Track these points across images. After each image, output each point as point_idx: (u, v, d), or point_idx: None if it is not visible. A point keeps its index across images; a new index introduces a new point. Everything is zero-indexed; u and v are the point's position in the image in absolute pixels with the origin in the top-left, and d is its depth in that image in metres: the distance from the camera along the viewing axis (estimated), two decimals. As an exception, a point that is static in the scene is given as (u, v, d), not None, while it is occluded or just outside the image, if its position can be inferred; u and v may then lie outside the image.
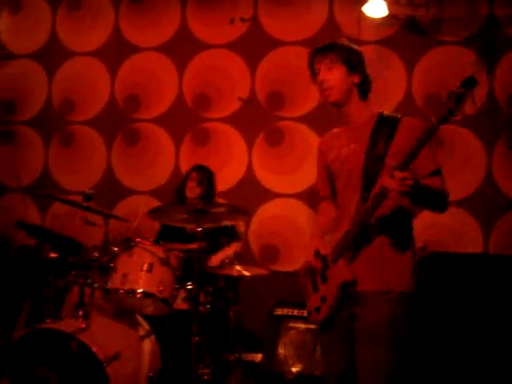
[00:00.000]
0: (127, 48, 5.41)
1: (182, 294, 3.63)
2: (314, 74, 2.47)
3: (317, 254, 2.40)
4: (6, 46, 5.72)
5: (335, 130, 2.57)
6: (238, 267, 3.76)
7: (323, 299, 2.38)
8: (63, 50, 5.59)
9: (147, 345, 3.53)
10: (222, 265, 3.94)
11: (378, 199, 2.21)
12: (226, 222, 3.67)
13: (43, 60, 5.65)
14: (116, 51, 5.45)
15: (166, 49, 5.32)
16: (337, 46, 2.44)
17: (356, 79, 2.42)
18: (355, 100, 2.43)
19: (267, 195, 5.01)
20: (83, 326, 3.18)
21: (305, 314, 2.60)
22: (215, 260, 4.06)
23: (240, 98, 5.08)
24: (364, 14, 4.66)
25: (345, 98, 2.41)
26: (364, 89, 2.45)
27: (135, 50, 5.40)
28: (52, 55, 5.63)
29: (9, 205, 5.67)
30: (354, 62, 2.42)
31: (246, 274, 3.77)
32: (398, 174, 2.09)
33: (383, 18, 4.70)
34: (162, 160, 5.28)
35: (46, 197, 5.23)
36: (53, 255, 3.60)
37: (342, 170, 2.43)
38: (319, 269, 2.40)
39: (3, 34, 5.80)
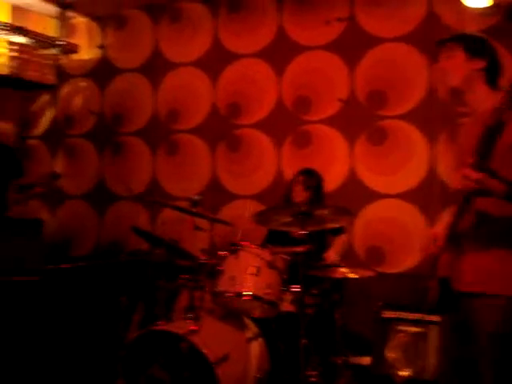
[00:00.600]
0: (227, 56, 5.53)
1: (289, 297, 3.63)
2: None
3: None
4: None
5: (465, 121, 2.50)
6: (343, 269, 3.72)
7: None
8: (166, 61, 5.81)
9: (255, 347, 3.56)
10: (338, 260, 3.93)
11: (461, 206, 2.14)
12: (331, 225, 3.64)
13: (148, 73, 5.90)
14: (216, 60, 5.58)
15: (264, 54, 5.38)
16: (457, 35, 2.41)
17: (479, 65, 2.34)
18: (480, 86, 2.35)
19: (371, 196, 4.92)
20: (194, 328, 3.25)
21: (414, 316, 2.54)
22: (330, 257, 4.05)
23: (340, 100, 5.04)
24: (464, 3, 4.48)
25: (466, 84, 2.34)
26: (492, 75, 2.36)
27: (235, 57, 5.51)
28: (156, 67, 5.86)
29: (120, 212, 5.96)
30: (475, 47, 2.36)
31: (352, 276, 3.72)
32: (470, 173, 2.02)
33: (485, 8, 4.49)
34: (264, 164, 5.33)
35: (156, 203, 5.45)
36: (163, 260, 3.73)
37: None
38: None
39: (109, 50, 6.11)
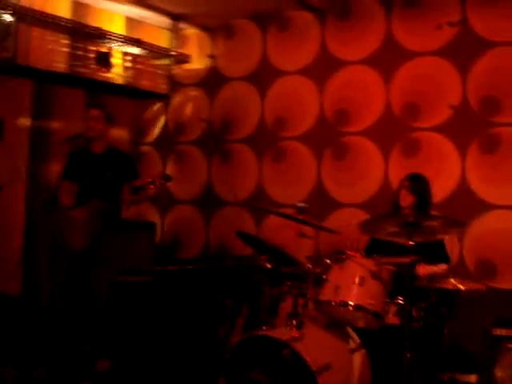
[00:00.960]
0: (334, 63, 5.52)
1: (394, 309, 3.55)
2: None
3: None
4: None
5: None
6: (453, 280, 3.59)
7: None
8: (274, 69, 5.89)
9: (357, 358, 3.50)
10: (429, 279, 3.79)
11: None
12: (440, 236, 3.53)
13: (256, 81, 6.00)
14: (323, 67, 5.58)
15: (372, 61, 5.32)
16: None
17: None
18: None
19: (483, 207, 4.71)
20: (297, 335, 3.25)
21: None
22: (422, 270, 3.92)
23: (451, 106, 4.88)
24: None
25: None
26: None
27: (342, 64, 5.48)
28: (263, 75, 5.96)
29: (227, 218, 6.10)
30: None
31: (462, 287, 3.57)
32: None
33: None
34: (371, 173, 5.26)
35: (262, 210, 5.52)
36: (268, 265, 3.77)
37: None
38: None
39: (219, 60, 6.28)
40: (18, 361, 4.12)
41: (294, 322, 3.36)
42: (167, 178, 4.60)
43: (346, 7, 5.47)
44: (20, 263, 5.53)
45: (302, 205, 3.68)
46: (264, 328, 3.45)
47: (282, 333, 3.32)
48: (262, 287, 3.78)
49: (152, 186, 4.42)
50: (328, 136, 5.51)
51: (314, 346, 3.29)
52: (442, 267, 4.03)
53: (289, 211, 3.93)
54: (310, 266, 3.54)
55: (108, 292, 4.50)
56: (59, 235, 4.53)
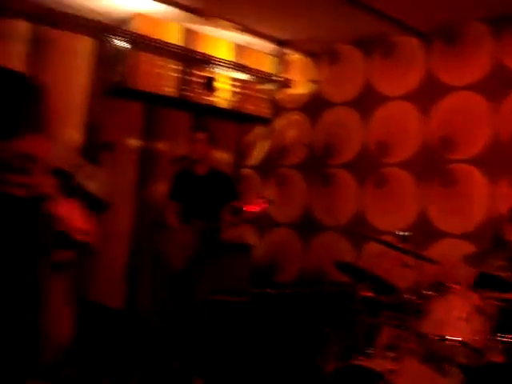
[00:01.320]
0: (439, 89, 5.39)
1: (499, 346, 3.38)
2: None
3: None
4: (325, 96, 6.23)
5: None
6: None
7: None
8: (377, 95, 5.84)
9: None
10: None
11: None
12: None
13: (358, 106, 5.98)
14: (428, 93, 5.47)
15: (478, 87, 5.15)
16: None
17: None
18: None
19: None
20: (393, 367, 3.19)
21: None
22: None
23: None
24: None
25: None
26: None
27: (447, 90, 5.35)
28: (367, 101, 5.92)
29: (326, 242, 6.07)
30: None
31: None
32: None
33: None
34: (476, 201, 5.08)
35: (362, 236, 5.45)
36: (367, 294, 3.71)
37: None
38: None
39: (322, 85, 6.31)
40: (115, 372, 4.27)
41: (392, 353, 3.29)
42: (268, 202, 4.67)
43: (453, 32, 5.34)
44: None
45: (405, 233, 3.59)
46: (361, 358, 3.40)
47: (378, 364, 3.26)
48: (359, 315, 3.73)
49: (253, 209, 4.50)
50: (432, 163, 5.38)
51: (411, 380, 3.20)
52: None
53: (390, 239, 3.84)
54: (410, 297, 3.45)
55: (205, 310, 4.59)
56: (162, 254, 4.70)
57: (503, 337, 3.31)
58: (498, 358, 3.37)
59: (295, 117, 6.54)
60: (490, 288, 3.75)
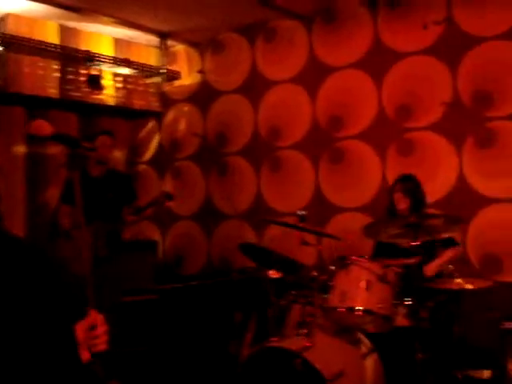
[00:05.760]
0: (324, 69, 5.53)
1: (402, 311, 3.54)
2: None
3: None
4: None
5: None
6: (459, 280, 3.58)
7: None
8: (265, 80, 5.91)
9: (370, 363, 3.49)
10: (439, 274, 3.77)
11: None
12: (443, 235, 3.52)
13: (247, 93, 6.02)
14: (314, 74, 5.60)
15: (361, 64, 5.33)
16: None
17: None
18: None
19: (483, 202, 4.71)
20: (307, 344, 3.24)
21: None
22: (429, 270, 3.90)
23: (444, 103, 4.88)
24: None
25: None
26: None
27: (332, 69, 5.49)
28: (255, 87, 5.97)
29: (227, 231, 6.09)
30: None
31: (469, 287, 3.56)
32: None
33: None
34: (368, 175, 5.26)
35: (262, 221, 5.51)
36: (274, 276, 3.76)
37: None
38: None
39: (209, 74, 6.29)
40: None
41: (304, 331, 3.35)
42: (169, 197, 4.62)
43: (332, 12, 5.48)
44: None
45: (303, 212, 3.67)
46: (274, 339, 3.43)
47: (291, 343, 3.30)
48: (269, 298, 3.77)
49: (154, 206, 4.44)
50: (323, 142, 5.51)
51: (326, 354, 3.28)
52: (450, 253, 3.97)
53: (290, 220, 3.91)
54: (315, 274, 3.53)
55: (113, 313, 4.47)
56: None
57: (408, 301, 3.46)
58: (403, 322, 3.52)
59: (185, 108, 6.49)
60: (388, 256, 3.92)
